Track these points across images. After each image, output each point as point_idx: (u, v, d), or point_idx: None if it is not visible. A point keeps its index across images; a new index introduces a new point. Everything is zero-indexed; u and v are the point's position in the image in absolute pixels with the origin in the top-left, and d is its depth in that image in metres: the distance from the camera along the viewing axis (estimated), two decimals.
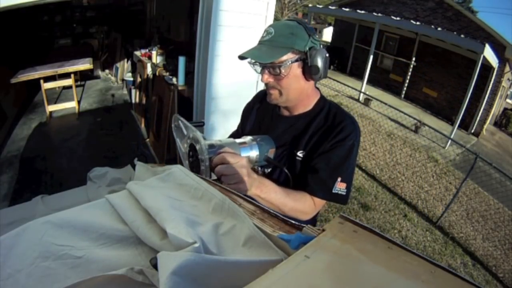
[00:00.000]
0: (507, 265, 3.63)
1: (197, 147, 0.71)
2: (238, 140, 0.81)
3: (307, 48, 0.81)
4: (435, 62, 8.70)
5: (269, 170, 0.92)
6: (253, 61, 0.83)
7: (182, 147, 0.81)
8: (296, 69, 0.83)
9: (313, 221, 0.95)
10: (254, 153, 0.81)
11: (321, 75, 0.83)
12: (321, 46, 0.84)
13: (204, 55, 2.24)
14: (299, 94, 0.88)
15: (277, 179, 0.90)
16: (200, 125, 0.95)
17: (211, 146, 0.71)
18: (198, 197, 0.56)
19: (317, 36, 0.85)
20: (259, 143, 0.82)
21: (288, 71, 0.82)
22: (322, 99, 0.94)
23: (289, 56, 0.80)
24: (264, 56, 0.79)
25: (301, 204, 0.83)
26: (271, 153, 0.85)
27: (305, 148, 0.88)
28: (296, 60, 0.81)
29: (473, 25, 7.84)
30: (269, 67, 0.82)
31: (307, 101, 0.92)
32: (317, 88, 0.95)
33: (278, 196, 0.77)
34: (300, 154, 0.88)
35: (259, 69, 0.86)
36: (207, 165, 0.69)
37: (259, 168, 0.92)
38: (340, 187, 0.84)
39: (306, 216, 0.85)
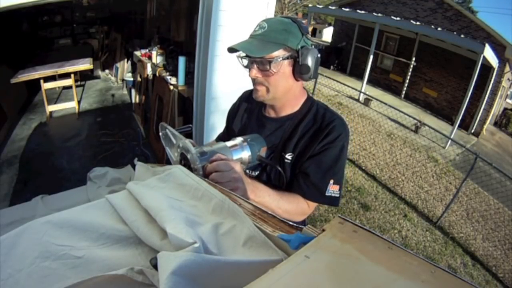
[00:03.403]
0: (507, 265, 3.63)
1: (188, 156, 0.70)
2: (228, 143, 0.79)
3: (299, 47, 0.79)
4: (435, 62, 8.70)
5: (257, 173, 0.90)
6: (242, 54, 0.80)
7: (173, 155, 0.79)
8: (286, 67, 0.81)
9: (303, 222, 0.94)
10: (246, 154, 0.79)
11: (311, 75, 0.82)
12: (312, 46, 0.82)
13: (204, 55, 2.24)
14: (286, 92, 0.85)
15: (270, 179, 0.89)
16: (187, 131, 0.93)
17: (202, 153, 0.70)
18: (198, 197, 0.56)
19: (309, 36, 0.84)
20: (250, 143, 0.81)
21: (278, 68, 0.79)
22: (309, 99, 0.92)
23: (280, 53, 0.78)
24: (255, 50, 0.76)
25: (295, 206, 0.82)
26: (263, 151, 0.84)
27: (294, 150, 0.85)
28: (287, 58, 0.79)
29: (473, 25, 7.84)
30: (259, 62, 0.80)
31: (294, 102, 0.90)
32: (305, 89, 0.93)
33: (272, 199, 0.77)
34: (288, 156, 0.86)
35: (245, 62, 0.83)
36: (200, 174, 0.68)
37: (247, 171, 0.90)
38: (333, 189, 0.83)
39: (299, 217, 0.85)
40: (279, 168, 0.84)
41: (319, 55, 0.82)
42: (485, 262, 3.60)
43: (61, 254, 0.43)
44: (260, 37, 0.78)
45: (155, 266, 0.37)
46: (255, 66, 0.81)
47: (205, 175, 0.68)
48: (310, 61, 0.79)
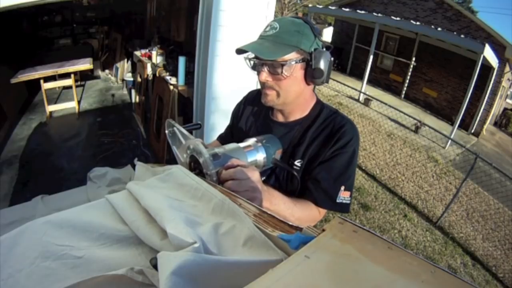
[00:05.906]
0: (507, 265, 3.63)
1: (201, 160, 0.65)
2: (242, 144, 0.74)
3: (312, 49, 0.75)
4: (435, 62, 8.70)
5: (264, 177, 0.85)
6: (251, 55, 0.76)
7: (181, 157, 0.73)
8: (298, 71, 0.77)
9: None
10: (261, 156, 0.74)
11: (324, 79, 0.78)
12: (324, 48, 0.79)
13: (204, 55, 2.24)
14: (297, 97, 0.82)
15: (279, 184, 0.86)
16: (196, 128, 0.89)
17: (215, 156, 0.65)
18: (198, 197, 0.56)
19: (321, 38, 0.80)
20: (265, 145, 0.75)
21: (291, 72, 0.75)
22: (319, 103, 0.88)
23: (293, 56, 0.74)
24: (266, 52, 0.72)
25: (307, 213, 0.79)
26: (278, 154, 0.78)
27: (303, 157, 0.82)
28: (300, 61, 0.75)
29: (473, 25, 7.84)
30: (270, 65, 0.75)
31: (304, 106, 0.86)
32: (314, 92, 0.89)
33: (286, 207, 0.73)
34: (297, 163, 0.82)
35: (251, 64, 0.79)
36: (214, 180, 0.63)
37: None
38: (344, 196, 0.80)
39: (311, 224, 0.82)
40: (295, 174, 0.79)
41: (332, 58, 0.78)
42: (485, 262, 3.60)
43: (61, 254, 0.43)
44: (272, 38, 0.73)
45: (155, 266, 0.37)
46: (266, 69, 0.76)
47: (219, 182, 0.63)
48: (323, 65, 0.75)
